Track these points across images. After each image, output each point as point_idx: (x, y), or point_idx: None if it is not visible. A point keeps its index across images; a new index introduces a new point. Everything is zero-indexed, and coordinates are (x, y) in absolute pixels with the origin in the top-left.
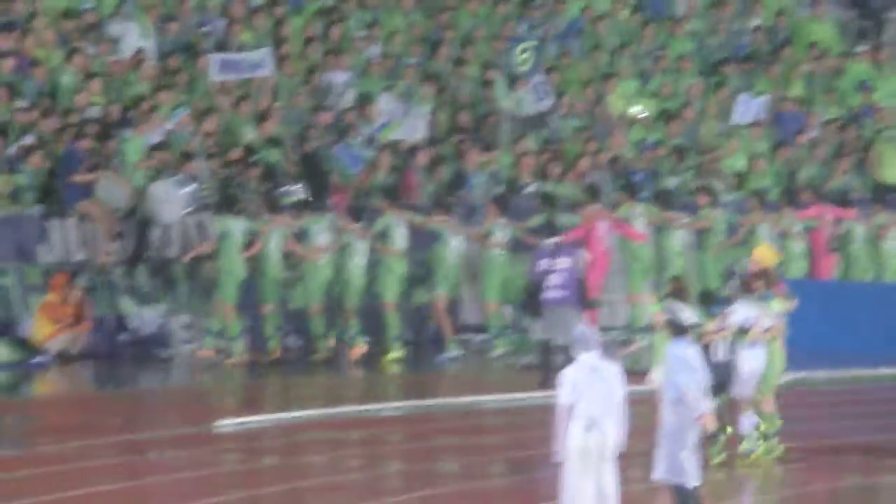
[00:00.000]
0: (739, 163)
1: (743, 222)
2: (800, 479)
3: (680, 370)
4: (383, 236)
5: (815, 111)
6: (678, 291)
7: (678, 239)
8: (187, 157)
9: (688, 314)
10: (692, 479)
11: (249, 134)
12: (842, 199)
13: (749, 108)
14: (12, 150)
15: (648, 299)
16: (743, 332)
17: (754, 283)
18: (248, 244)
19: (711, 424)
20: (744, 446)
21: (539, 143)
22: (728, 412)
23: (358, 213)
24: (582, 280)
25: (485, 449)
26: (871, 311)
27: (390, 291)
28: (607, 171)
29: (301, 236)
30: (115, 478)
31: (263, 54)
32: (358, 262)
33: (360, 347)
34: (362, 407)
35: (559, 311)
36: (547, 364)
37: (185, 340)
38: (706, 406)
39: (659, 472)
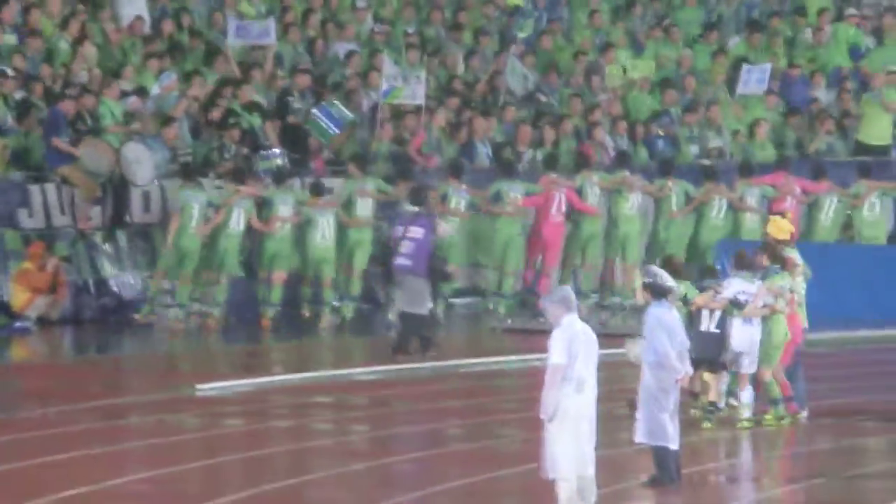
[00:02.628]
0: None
1: (698, 197)
2: (796, 440)
3: (659, 333)
4: (349, 204)
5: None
6: (672, 268)
7: (631, 202)
8: (168, 120)
9: (668, 278)
10: (672, 442)
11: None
12: (816, 172)
13: (753, 77)
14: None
15: (635, 274)
16: (735, 306)
17: (758, 258)
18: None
19: (691, 387)
20: (743, 416)
21: (532, 115)
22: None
23: (321, 187)
24: (435, 253)
25: (451, 413)
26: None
27: (358, 259)
28: (626, 138)
29: (265, 206)
30: (97, 442)
31: (269, 23)
32: (317, 235)
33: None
34: (345, 371)
35: (405, 280)
36: (407, 334)
37: (165, 305)
38: (685, 369)
39: (639, 435)
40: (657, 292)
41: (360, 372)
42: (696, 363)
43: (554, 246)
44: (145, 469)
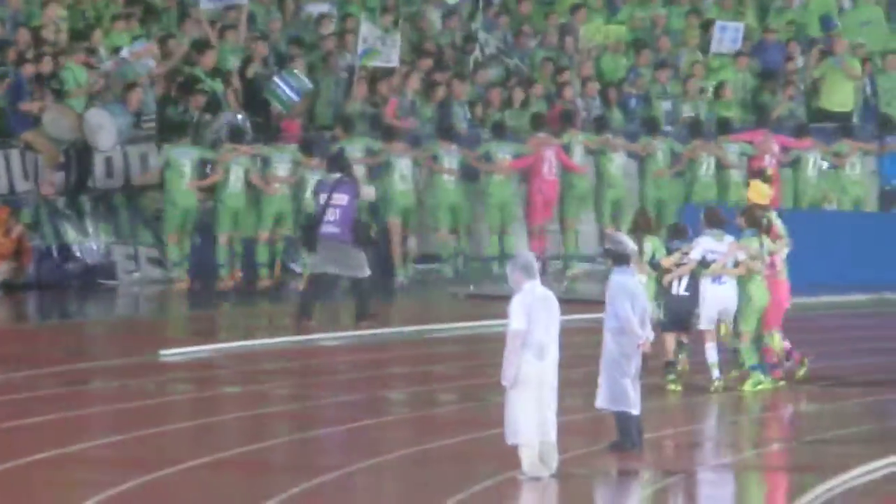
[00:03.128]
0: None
1: (686, 153)
2: (764, 405)
3: (622, 299)
4: None
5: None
6: (641, 224)
7: (617, 162)
8: (131, 85)
9: (629, 244)
10: (634, 407)
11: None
12: (798, 130)
13: (726, 36)
14: None
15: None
16: (704, 266)
17: (737, 220)
18: (204, 173)
19: (651, 351)
20: (713, 377)
21: (502, 76)
22: (686, 344)
23: (311, 146)
24: (358, 217)
25: (434, 377)
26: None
27: None
28: (598, 99)
29: (261, 166)
30: (60, 407)
31: None
32: (309, 194)
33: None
34: (311, 336)
35: (332, 247)
36: (313, 297)
37: (128, 270)
38: (647, 334)
39: (601, 401)
40: (618, 258)
41: (325, 338)
42: (668, 326)
43: (551, 203)
44: (110, 434)
